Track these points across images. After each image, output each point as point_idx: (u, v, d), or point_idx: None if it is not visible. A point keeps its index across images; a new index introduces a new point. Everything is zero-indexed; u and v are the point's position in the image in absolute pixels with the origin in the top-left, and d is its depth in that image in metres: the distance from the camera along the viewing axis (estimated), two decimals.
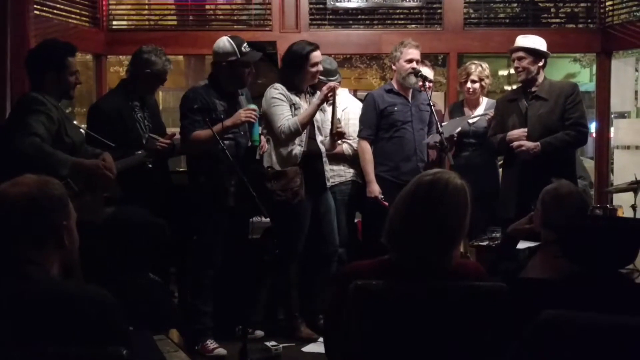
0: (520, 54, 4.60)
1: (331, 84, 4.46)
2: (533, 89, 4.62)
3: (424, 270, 2.09)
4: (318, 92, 4.67)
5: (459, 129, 4.98)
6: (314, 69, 4.48)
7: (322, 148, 4.60)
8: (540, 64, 4.61)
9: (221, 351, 4.26)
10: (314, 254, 4.61)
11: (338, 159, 4.91)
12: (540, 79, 4.64)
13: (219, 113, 4.26)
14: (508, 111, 4.73)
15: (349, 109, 5.09)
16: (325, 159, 4.61)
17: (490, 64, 5.37)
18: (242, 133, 4.37)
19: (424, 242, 2.09)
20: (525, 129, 4.56)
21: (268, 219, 4.52)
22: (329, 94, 4.35)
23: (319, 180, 4.56)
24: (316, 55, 4.48)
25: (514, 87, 4.83)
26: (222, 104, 4.31)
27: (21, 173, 1.99)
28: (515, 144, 4.53)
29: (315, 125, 4.54)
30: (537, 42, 4.62)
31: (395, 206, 2.18)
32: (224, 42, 4.33)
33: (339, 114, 5.00)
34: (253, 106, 4.29)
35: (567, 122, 4.52)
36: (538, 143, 4.48)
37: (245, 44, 4.36)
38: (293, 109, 4.44)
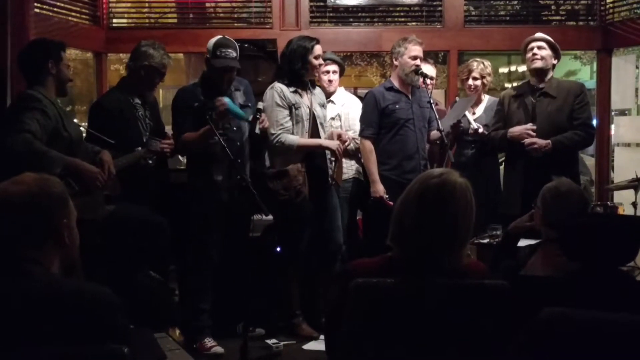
0: (541, 43, 4.64)
1: (344, 136, 4.52)
2: (541, 85, 4.63)
3: (429, 269, 2.08)
4: (318, 88, 4.67)
5: (461, 116, 4.95)
6: (316, 61, 4.49)
7: None
8: (554, 61, 4.67)
9: (218, 349, 4.25)
10: (317, 251, 4.60)
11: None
12: (549, 75, 4.68)
13: (209, 112, 4.19)
14: (513, 106, 4.74)
15: (347, 104, 5.10)
16: (328, 157, 4.58)
17: (490, 62, 5.36)
18: (234, 129, 4.35)
19: (434, 243, 2.09)
20: (528, 125, 4.56)
21: (268, 217, 4.51)
22: (339, 146, 4.42)
23: (322, 178, 4.54)
24: (319, 48, 4.51)
25: (515, 84, 4.83)
26: (207, 101, 4.25)
27: (14, 171, 1.99)
28: (527, 141, 4.52)
29: (318, 122, 4.53)
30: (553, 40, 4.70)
31: (402, 207, 2.16)
32: (213, 39, 4.32)
33: (338, 111, 5.02)
34: (221, 98, 4.18)
35: (575, 122, 4.55)
36: (549, 141, 4.49)
37: (226, 50, 4.26)
38: (293, 109, 4.43)
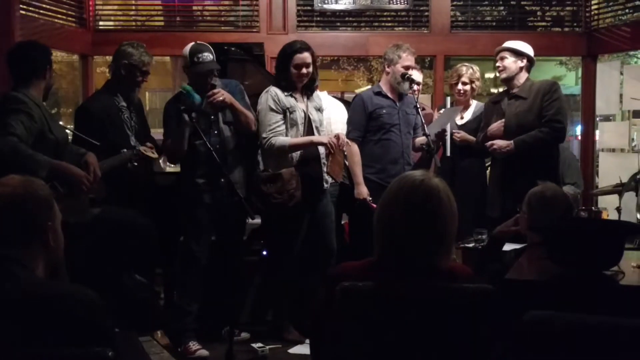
0: (503, 53, 4.71)
1: (341, 134, 4.44)
2: (514, 90, 4.68)
3: (415, 272, 2.08)
4: (317, 92, 4.63)
5: (446, 125, 4.99)
6: (295, 71, 4.37)
7: (321, 150, 4.49)
8: (522, 64, 4.67)
9: (203, 352, 4.23)
10: (309, 256, 4.57)
11: None
12: (522, 79, 4.70)
13: (193, 115, 4.18)
14: (492, 113, 4.81)
15: (329, 108, 5.07)
16: (324, 161, 4.50)
17: (478, 67, 5.40)
18: (215, 132, 4.35)
19: (420, 246, 2.09)
20: (503, 120, 4.63)
21: (254, 220, 4.50)
22: (332, 143, 4.33)
23: (316, 184, 4.49)
24: (299, 57, 4.37)
25: (501, 89, 4.90)
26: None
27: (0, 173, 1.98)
28: (489, 143, 4.60)
29: (314, 126, 4.48)
30: (520, 44, 4.73)
31: (385, 211, 2.16)
32: (187, 46, 4.32)
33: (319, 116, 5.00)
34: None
35: (543, 119, 4.57)
36: (511, 142, 4.53)
37: (202, 54, 4.25)
38: (288, 112, 4.41)
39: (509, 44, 4.74)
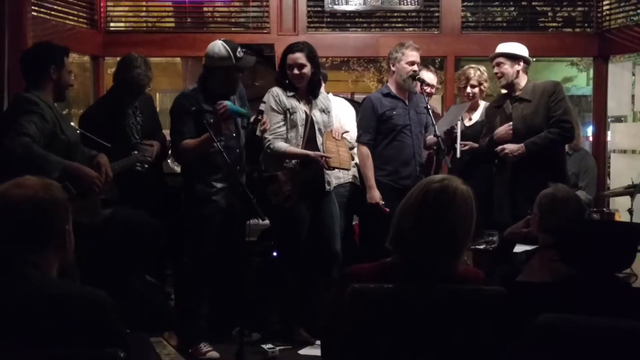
0: (498, 59, 4.67)
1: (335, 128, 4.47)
2: (517, 93, 4.65)
3: (428, 274, 2.08)
4: (324, 93, 4.62)
5: (455, 123, 4.96)
6: (289, 72, 4.41)
7: (322, 150, 4.48)
8: (519, 67, 4.64)
9: (214, 354, 4.24)
10: (314, 257, 4.57)
11: None
12: (523, 82, 4.67)
13: (207, 117, 4.15)
14: (495, 118, 4.78)
15: (337, 109, 5.02)
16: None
17: (487, 68, 5.38)
18: (234, 135, 4.35)
19: (432, 248, 2.09)
20: (511, 123, 4.60)
21: (265, 222, 4.50)
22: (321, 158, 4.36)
23: (318, 184, 4.49)
24: (290, 58, 4.40)
25: (504, 92, 4.86)
26: (210, 108, 4.19)
27: (12, 174, 1.97)
28: (499, 148, 4.57)
29: (316, 128, 4.49)
30: (513, 47, 4.70)
31: (402, 212, 2.16)
32: (218, 46, 4.21)
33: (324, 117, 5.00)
34: (221, 101, 4.15)
35: (550, 120, 4.55)
36: (522, 145, 4.51)
37: (239, 49, 4.24)
38: (288, 113, 4.41)
39: (502, 48, 4.69)
